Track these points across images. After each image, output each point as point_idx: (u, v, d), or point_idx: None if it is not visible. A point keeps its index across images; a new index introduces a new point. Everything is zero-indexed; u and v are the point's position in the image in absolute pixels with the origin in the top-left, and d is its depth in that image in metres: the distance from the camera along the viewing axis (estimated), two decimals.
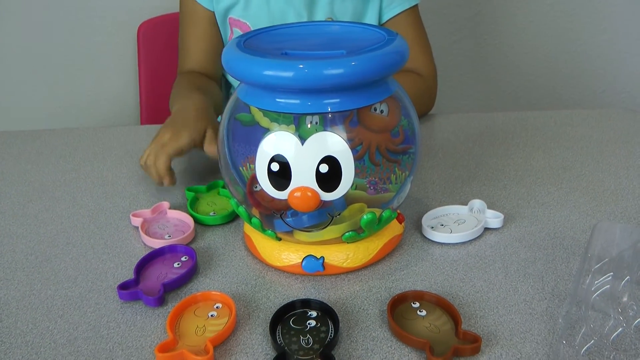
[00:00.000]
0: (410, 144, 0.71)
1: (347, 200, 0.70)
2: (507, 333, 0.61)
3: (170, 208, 0.85)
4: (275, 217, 0.70)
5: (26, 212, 0.88)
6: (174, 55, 1.22)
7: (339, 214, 0.69)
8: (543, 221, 0.81)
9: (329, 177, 0.62)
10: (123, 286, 0.68)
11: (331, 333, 0.61)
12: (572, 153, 1.00)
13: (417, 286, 0.69)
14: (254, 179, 0.67)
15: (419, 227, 0.79)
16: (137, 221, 0.82)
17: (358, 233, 0.69)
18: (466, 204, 0.82)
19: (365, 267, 0.72)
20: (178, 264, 0.73)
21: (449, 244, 0.76)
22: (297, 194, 0.63)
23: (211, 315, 0.64)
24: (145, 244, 0.79)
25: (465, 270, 0.71)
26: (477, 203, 0.81)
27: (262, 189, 0.66)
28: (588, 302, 0.62)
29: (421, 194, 0.88)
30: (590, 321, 0.59)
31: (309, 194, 0.63)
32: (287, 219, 0.69)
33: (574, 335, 0.58)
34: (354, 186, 0.68)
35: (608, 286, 0.64)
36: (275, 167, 0.63)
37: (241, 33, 1.01)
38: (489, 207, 0.81)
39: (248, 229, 0.77)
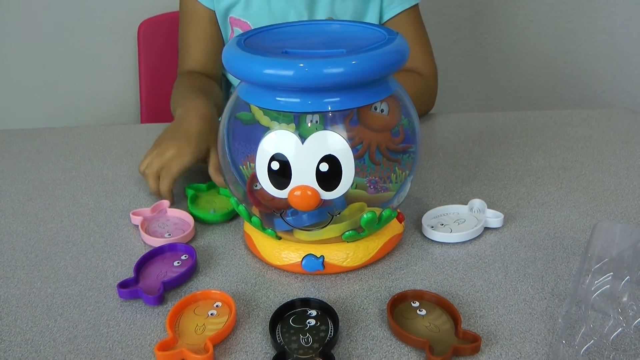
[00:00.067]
0: (411, 143, 0.71)
1: (347, 199, 0.70)
2: (506, 333, 0.61)
3: (170, 207, 0.85)
4: (275, 216, 0.70)
5: (26, 211, 0.88)
6: (174, 54, 1.22)
7: (339, 213, 0.69)
8: (543, 221, 0.81)
9: (329, 176, 0.62)
10: (123, 285, 0.68)
11: (331, 332, 0.61)
12: (572, 153, 1.00)
13: (417, 285, 0.69)
14: (254, 178, 0.67)
15: (419, 227, 0.79)
16: (137, 220, 0.82)
17: (358, 232, 0.69)
18: (466, 204, 0.82)
19: (365, 266, 0.72)
20: (178, 263, 0.73)
21: (449, 243, 0.76)
22: (297, 192, 0.63)
23: (211, 314, 0.64)
24: (145, 243, 0.79)
25: (465, 270, 0.71)
26: (477, 203, 0.81)
27: (262, 188, 0.66)
28: (588, 302, 0.62)
29: (421, 193, 0.88)
30: (590, 321, 0.59)
31: (309, 192, 0.63)
32: (287, 218, 0.69)
33: (574, 335, 0.58)
34: (354, 185, 0.69)
35: (608, 286, 0.64)
36: (275, 165, 0.63)
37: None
38: (489, 207, 0.81)
39: (248, 227, 0.77)
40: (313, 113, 0.65)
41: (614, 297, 0.63)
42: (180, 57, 1.17)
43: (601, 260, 0.68)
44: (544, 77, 1.84)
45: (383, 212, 0.69)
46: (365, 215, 0.67)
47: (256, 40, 0.68)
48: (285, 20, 1.09)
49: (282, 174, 0.63)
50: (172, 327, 0.61)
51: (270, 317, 0.62)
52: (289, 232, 0.70)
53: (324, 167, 0.62)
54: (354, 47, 0.63)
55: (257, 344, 0.61)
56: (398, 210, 0.74)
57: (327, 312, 0.63)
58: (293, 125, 0.65)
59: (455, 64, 1.80)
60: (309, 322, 0.62)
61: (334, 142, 0.62)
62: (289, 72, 0.59)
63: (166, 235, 0.79)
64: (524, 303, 0.65)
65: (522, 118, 1.15)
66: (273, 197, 0.65)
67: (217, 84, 1.15)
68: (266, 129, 0.66)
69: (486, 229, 0.79)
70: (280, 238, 0.72)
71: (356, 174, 0.64)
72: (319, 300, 0.64)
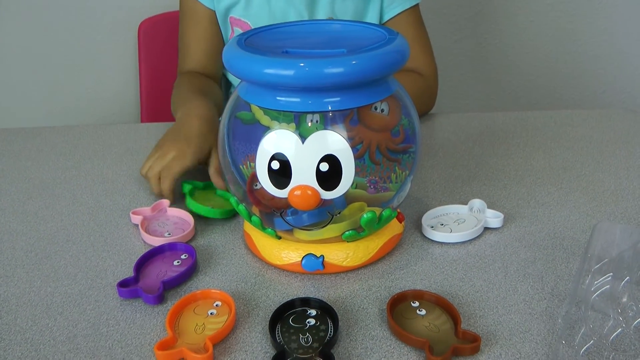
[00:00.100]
0: (411, 143, 0.71)
1: (347, 199, 0.70)
2: (506, 333, 0.61)
3: (170, 206, 0.85)
4: (275, 216, 0.70)
5: (26, 210, 0.88)
6: (174, 53, 1.22)
7: (339, 213, 0.69)
8: (543, 221, 0.81)
9: (329, 175, 0.62)
10: (123, 284, 0.68)
11: (330, 332, 0.61)
12: (572, 153, 1.00)
13: (417, 285, 0.69)
14: (254, 177, 0.67)
15: (418, 227, 0.79)
16: (137, 219, 0.82)
17: (358, 232, 0.69)
18: (466, 204, 0.82)
19: (365, 266, 0.72)
20: (178, 262, 0.73)
21: (449, 243, 0.76)
22: (297, 192, 0.63)
23: (211, 314, 0.64)
24: (145, 242, 0.79)
25: (465, 270, 0.71)
26: (477, 203, 0.81)
27: (262, 187, 0.66)
28: (588, 302, 0.62)
29: (421, 193, 0.88)
30: (589, 321, 0.59)
31: (309, 192, 0.63)
32: (287, 218, 0.69)
33: (574, 335, 0.58)
34: (354, 185, 0.69)
35: (608, 286, 0.64)
36: (275, 165, 0.63)
37: None
38: (489, 207, 0.81)
39: (248, 227, 0.77)
40: (313, 113, 0.65)
41: (614, 297, 0.63)
42: (181, 57, 1.17)
43: (601, 260, 0.68)
44: (544, 77, 1.84)
45: (383, 212, 0.69)
46: (365, 215, 0.67)
47: (256, 40, 0.68)
48: (285, 20, 1.09)
49: (282, 173, 0.63)
50: (171, 327, 0.61)
51: (270, 316, 0.62)
52: (289, 232, 0.70)
53: (324, 166, 0.62)
54: (355, 47, 0.63)
55: (257, 344, 0.61)
56: (398, 210, 0.74)
57: (326, 311, 0.63)
58: (293, 124, 0.65)
59: (456, 64, 1.80)
60: (308, 322, 0.62)
61: (334, 141, 0.62)
62: (290, 72, 0.59)
63: (166, 234, 0.79)
64: (524, 303, 0.65)
65: (522, 118, 1.15)
66: (273, 197, 0.65)
67: (218, 84, 1.15)
68: (266, 129, 0.66)
69: (486, 229, 0.79)
70: (280, 237, 0.72)
71: (356, 173, 0.64)
72: (319, 299, 0.64)
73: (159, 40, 1.48)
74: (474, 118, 1.16)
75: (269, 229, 0.71)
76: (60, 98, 1.68)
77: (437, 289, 0.68)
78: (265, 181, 0.65)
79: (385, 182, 0.73)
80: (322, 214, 0.68)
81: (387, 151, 0.70)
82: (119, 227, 0.82)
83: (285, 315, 0.63)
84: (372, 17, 1.13)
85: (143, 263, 0.73)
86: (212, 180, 0.86)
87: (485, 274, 0.71)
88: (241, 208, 0.71)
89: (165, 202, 0.85)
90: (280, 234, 0.71)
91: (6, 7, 1.56)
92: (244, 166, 0.71)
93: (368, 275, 0.71)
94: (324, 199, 0.64)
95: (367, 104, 0.65)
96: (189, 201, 0.83)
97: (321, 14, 1.11)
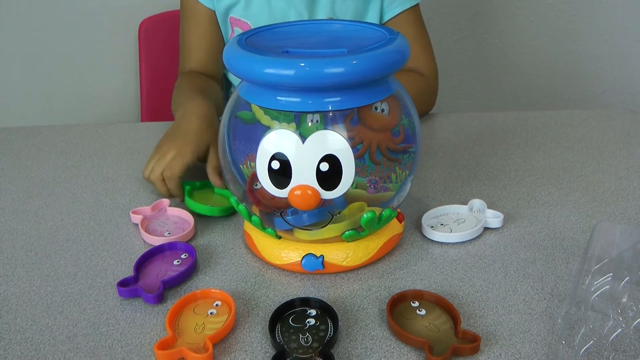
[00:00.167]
0: (411, 143, 0.71)
1: (347, 199, 0.70)
2: (506, 333, 0.61)
3: (170, 205, 0.85)
4: (276, 216, 0.70)
5: (26, 209, 0.88)
6: (174, 52, 1.22)
7: (339, 213, 0.69)
8: (543, 221, 0.81)
9: (330, 175, 0.62)
10: (123, 283, 0.68)
11: (330, 331, 0.61)
12: (572, 153, 1.00)
13: (417, 285, 0.69)
14: (254, 177, 0.67)
15: (418, 227, 0.79)
16: (137, 218, 0.82)
17: (358, 232, 0.69)
18: (466, 204, 0.82)
19: (364, 266, 0.72)
20: (178, 262, 0.73)
21: (449, 243, 0.76)
22: (298, 192, 0.63)
23: (210, 313, 0.64)
24: (145, 241, 0.79)
25: (464, 270, 0.71)
26: (477, 203, 0.81)
27: (262, 187, 0.66)
28: (587, 302, 0.62)
29: (421, 193, 0.88)
30: (589, 322, 0.60)
31: (309, 192, 0.63)
32: (287, 217, 0.69)
33: (574, 335, 0.58)
34: (354, 185, 0.69)
35: (608, 287, 0.64)
36: (275, 165, 0.63)
37: None
38: (488, 207, 0.81)
39: (248, 227, 0.77)
40: (314, 112, 0.65)
41: (614, 297, 0.63)
42: (181, 57, 1.17)
43: (601, 260, 0.68)
44: (544, 78, 1.84)
45: (383, 212, 0.69)
46: (365, 215, 0.67)
47: (257, 40, 0.68)
48: (285, 20, 1.09)
49: (282, 173, 0.63)
50: (171, 326, 0.61)
51: (269, 316, 0.62)
52: (289, 232, 0.70)
53: (324, 166, 0.62)
54: (355, 47, 0.63)
55: (257, 343, 0.61)
56: (398, 210, 0.74)
57: (326, 311, 0.63)
58: (294, 124, 0.65)
59: (456, 64, 1.80)
60: (308, 322, 0.62)
61: (334, 141, 0.62)
62: (290, 72, 0.59)
63: (166, 234, 0.79)
64: (524, 303, 0.65)
65: (522, 118, 1.15)
66: (273, 197, 0.65)
67: (218, 84, 1.15)
68: (267, 129, 0.66)
69: (486, 229, 0.79)
70: (280, 237, 0.72)
71: (356, 173, 0.64)
72: (319, 299, 0.64)
73: (159, 39, 1.48)
74: (474, 118, 1.16)
75: (269, 229, 0.71)
76: (61, 97, 1.68)
77: (437, 289, 0.68)
78: (265, 181, 0.65)
79: (385, 182, 0.73)
80: (322, 214, 0.68)
81: (387, 151, 0.70)
82: (119, 227, 0.82)
83: (285, 315, 0.63)
84: (372, 17, 1.12)
85: (143, 262, 0.73)
86: (210, 179, 0.86)
87: (485, 274, 0.71)
88: (241, 208, 0.71)
89: (165, 201, 0.85)
90: (280, 233, 0.71)
91: (6, 7, 1.55)
92: (244, 166, 0.71)
93: (368, 275, 0.71)
94: (324, 199, 0.64)
95: (367, 103, 0.65)
96: (188, 201, 0.83)
97: (321, 14, 1.11)
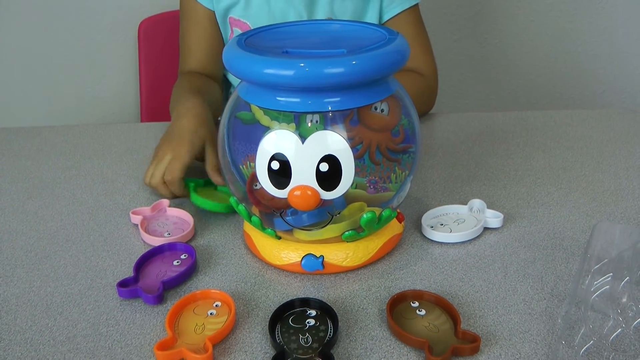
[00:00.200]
0: (411, 143, 0.71)
1: (347, 199, 0.70)
2: (506, 333, 0.61)
3: (169, 206, 0.85)
4: (275, 216, 0.70)
5: (26, 209, 0.88)
6: (174, 52, 1.21)
7: (338, 213, 0.69)
8: (543, 221, 0.81)
9: (329, 175, 0.62)
10: (122, 284, 0.68)
11: (330, 332, 0.61)
12: (572, 153, 1.00)
13: (417, 285, 0.69)
14: (254, 177, 0.67)
15: (418, 227, 0.79)
16: (136, 219, 0.82)
17: (358, 232, 0.69)
18: (466, 204, 0.82)
19: (364, 266, 0.72)
20: (177, 262, 0.73)
21: (449, 243, 0.76)
22: (297, 192, 0.63)
23: (210, 314, 0.64)
24: (144, 242, 0.79)
25: (464, 270, 0.71)
26: (476, 203, 0.81)
27: (262, 188, 0.66)
28: (587, 302, 0.62)
29: (421, 193, 0.88)
30: (589, 322, 0.60)
31: (309, 192, 0.63)
32: (287, 218, 0.69)
33: (573, 335, 0.58)
34: (354, 185, 0.69)
35: (607, 287, 0.64)
36: (275, 165, 0.63)
37: None
38: (488, 207, 0.81)
39: (248, 227, 0.77)
40: (313, 113, 0.65)
41: (614, 297, 0.63)
42: (181, 57, 1.17)
43: (601, 260, 0.68)
44: (544, 77, 1.84)
45: (383, 212, 0.69)
46: (365, 215, 0.67)
47: (256, 40, 0.68)
48: (284, 20, 1.09)
49: (282, 173, 0.63)
50: (171, 327, 0.61)
51: (269, 316, 0.62)
52: (289, 232, 0.70)
53: (324, 167, 0.62)
54: (355, 47, 0.63)
55: (257, 344, 0.61)
56: (398, 210, 0.74)
57: (326, 312, 0.63)
58: (293, 125, 0.65)
59: (455, 64, 1.80)
60: (308, 322, 0.62)
61: (334, 142, 0.62)
62: (290, 72, 0.59)
63: (166, 234, 0.79)
64: (524, 303, 0.65)
65: (522, 118, 1.15)
66: (273, 197, 0.65)
67: (218, 84, 1.15)
68: (266, 129, 0.66)
69: (486, 229, 0.79)
70: (280, 238, 0.72)
71: (356, 173, 0.64)
72: (319, 300, 0.64)
73: (159, 39, 1.48)
74: (473, 118, 1.16)
75: (269, 229, 0.71)
76: (60, 98, 1.68)
77: (436, 289, 0.68)
78: (265, 181, 0.65)
79: (385, 182, 0.73)
80: (322, 214, 0.68)
81: (387, 151, 0.70)
82: (118, 227, 0.82)
83: (285, 316, 0.63)
84: (371, 17, 1.12)
85: (143, 263, 0.73)
86: (211, 178, 0.86)
87: (485, 274, 0.71)
88: (241, 208, 0.71)
89: (165, 202, 0.85)
90: (280, 234, 0.71)
91: (6, 7, 1.55)
92: (244, 166, 0.71)
93: (368, 276, 0.71)
94: (324, 199, 0.64)
95: (367, 104, 0.65)
96: (194, 196, 0.84)
97: (320, 14, 1.11)
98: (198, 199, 0.83)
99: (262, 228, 0.71)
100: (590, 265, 0.67)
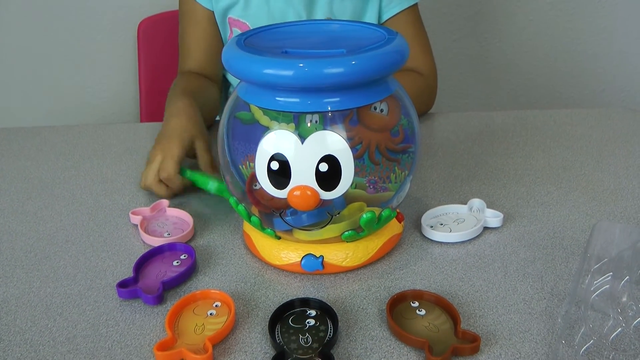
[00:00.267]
0: (410, 143, 0.71)
1: (346, 199, 0.70)
2: (506, 332, 0.61)
3: (169, 206, 0.85)
4: (275, 216, 0.70)
5: (25, 210, 0.87)
6: (173, 52, 1.21)
7: (338, 213, 0.69)
8: (542, 221, 0.81)
9: (329, 176, 0.62)
10: (122, 284, 0.68)
11: (330, 332, 0.61)
12: (571, 152, 1.00)
13: (417, 285, 0.69)
14: (253, 178, 0.67)
15: (418, 226, 0.79)
16: (136, 219, 0.82)
17: (357, 232, 0.69)
18: (466, 203, 0.82)
19: (364, 266, 0.72)
20: (177, 262, 0.73)
21: (449, 243, 0.76)
22: (297, 192, 0.63)
23: (210, 314, 0.64)
24: (144, 242, 0.79)
25: (464, 270, 0.71)
26: (476, 202, 0.81)
27: (261, 188, 0.66)
28: (587, 302, 0.62)
29: (421, 193, 0.88)
30: (589, 321, 0.60)
31: (309, 192, 0.63)
32: (287, 218, 0.69)
33: (573, 335, 0.58)
34: (354, 185, 0.69)
35: (607, 286, 0.64)
36: (275, 165, 0.63)
37: None
38: (488, 207, 0.81)
39: (247, 227, 0.77)
40: (313, 113, 0.65)
41: (614, 297, 0.63)
42: (181, 57, 1.17)
43: (601, 260, 0.68)
44: (544, 77, 1.84)
45: (382, 212, 0.69)
46: (364, 215, 0.67)
47: (256, 40, 0.68)
48: (284, 20, 1.09)
49: (281, 173, 0.63)
50: (171, 327, 0.61)
51: (269, 317, 0.62)
52: (289, 232, 0.70)
53: (324, 167, 0.62)
54: (354, 47, 0.63)
55: (257, 344, 0.61)
56: (397, 210, 0.74)
57: (326, 312, 0.63)
58: (293, 125, 0.65)
59: (455, 64, 1.80)
60: (308, 322, 0.62)
61: (333, 142, 0.62)
62: (289, 72, 0.59)
63: (165, 234, 0.79)
64: (524, 303, 0.65)
65: (521, 117, 1.15)
66: (272, 197, 0.65)
67: (217, 84, 1.15)
68: (266, 129, 0.66)
69: (485, 228, 0.79)
70: (279, 238, 0.72)
71: (356, 173, 0.64)
72: (319, 300, 0.64)
73: (159, 39, 1.48)
74: (473, 117, 1.16)
75: (269, 229, 0.71)
76: (60, 98, 1.68)
77: (436, 288, 0.68)
78: (264, 181, 0.65)
79: (384, 182, 0.73)
80: (322, 214, 0.68)
81: (387, 151, 0.70)
82: (118, 228, 0.82)
83: (285, 316, 0.63)
84: (370, 17, 1.12)
85: (142, 263, 0.73)
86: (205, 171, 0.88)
87: (484, 274, 0.71)
88: (240, 208, 0.71)
89: (165, 202, 0.85)
90: (279, 234, 0.71)
91: (6, 7, 1.55)
92: (244, 166, 0.71)
93: (367, 276, 0.71)
94: (324, 199, 0.64)
95: (366, 104, 0.64)
96: (188, 172, 0.86)
97: (319, 14, 1.11)
98: (197, 176, 0.85)
99: (262, 228, 0.71)
100: (590, 265, 0.67)
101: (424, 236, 0.78)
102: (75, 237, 0.80)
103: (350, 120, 0.67)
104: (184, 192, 0.88)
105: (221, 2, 1.11)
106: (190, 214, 0.82)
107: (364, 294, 0.68)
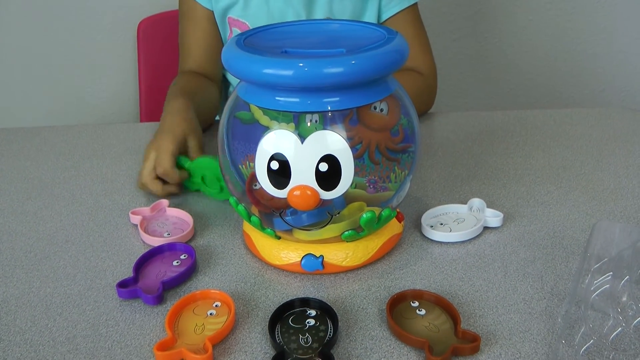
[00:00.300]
0: (410, 143, 0.71)
1: (346, 199, 0.70)
2: (506, 332, 0.61)
3: (169, 206, 0.85)
4: (275, 216, 0.70)
5: (25, 210, 0.87)
6: (173, 52, 1.21)
7: (338, 213, 0.69)
8: (542, 220, 0.81)
9: (329, 175, 0.62)
10: (122, 284, 0.68)
11: (330, 332, 0.61)
12: (571, 152, 1.00)
13: (417, 285, 0.69)
14: (253, 177, 0.67)
15: (418, 226, 0.79)
16: (136, 219, 0.82)
17: (357, 232, 0.69)
18: (466, 203, 0.82)
19: (364, 266, 0.72)
20: (177, 262, 0.73)
21: (449, 242, 0.76)
22: (297, 192, 0.63)
23: (210, 314, 0.64)
24: (144, 242, 0.79)
25: (464, 270, 0.71)
26: (476, 202, 0.81)
27: (261, 188, 0.65)
28: (587, 301, 0.62)
29: (421, 192, 0.88)
30: (589, 321, 0.59)
31: (309, 192, 0.63)
32: (287, 218, 0.69)
33: (573, 334, 0.58)
34: (354, 185, 0.68)
35: (607, 286, 0.64)
36: (274, 165, 0.63)
37: None
38: (488, 206, 0.81)
39: (247, 227, 0.77)
40: (312, 113, 0.65)
41: (614, 296, 0.63)
42: (181, 56, 1.17)
43: (601, 259, 0.68)
44: (544, 76, 1.84)
45: (382, 212, 0.69)
46: (364, 215, 0.67)
47: (256, 40, 0.68)
48: (283, 20, 1.09)
49: (281, 173, 0.63)
50: (171, 327, 0.61)
51: (269, 317, 0.62)
52: (289, 232, 0.70)
53: (324, 166, 0.62)
54: (354, 47, 0.63)
55: (257, 344, 0.61)
56: (397, 210, 0.74)
57: (326, 311, 0.63)
58: (292, 124, 0.65)
59: (455, 63, 1.80)
60: (308, 322, 0.62)
61: (333, 141, 0.62)
62: (289, 72, 0.59)
63: (165, 234, 0.79)
64: (524, 303, 0.65)
65: (521, 117, 1.15)
66: (272, 197, 0.65)
67: (217, 84, 1.15)
68: (266, 129, 0.65)
69: (485, 228, 0.79)
70: (279, 238, 0.72)
71: (355, 173, 0.64)
72: (319, 300, 0.64)
73: (158, 39, 1.48)
74: (473, 117, 1.15)
75: (268, 229, 0.71)
76: (60, 98, 1.68)
77: (436, 288, 0.68)
78: (264, 181, 0.65)
79: (384, 182, 0.73)
80: (322, 214, 0.68)
81: (387, 151, 0.70)
82: (118, 227, 0.82)
83: (285, 316, 0.63)
84: (370, 16, 1.12)
85: (142, 263, 0.73)
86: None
87: (484, 274, 0.71)
88: (240, 208, 0.71)
89: (165, 202, 0.85)
90: (279, 234, 0.71)
91: (6, 7, 1.55)
92: (243, 166, 0.71)
93: (367, 275, 0.71)
94: (324, 199, 0.64)
95: (366, 103, 0.64)
96: (183, 160, 0.87)
97: (319, 13, 1.11)
98: (201, 160, 0.85)
99: (262, 228, 0.71)
100: (590, 264, 0.67)
101: (424, 236, 0.78)
102: (75, 237, 0.80)
103: (350, 119, 0.67)
104: (183, 192, 0.88)
105: (221, 2, 1.11)
106: (190, 214, 0.82)
107: (364, 293, 0.68)
